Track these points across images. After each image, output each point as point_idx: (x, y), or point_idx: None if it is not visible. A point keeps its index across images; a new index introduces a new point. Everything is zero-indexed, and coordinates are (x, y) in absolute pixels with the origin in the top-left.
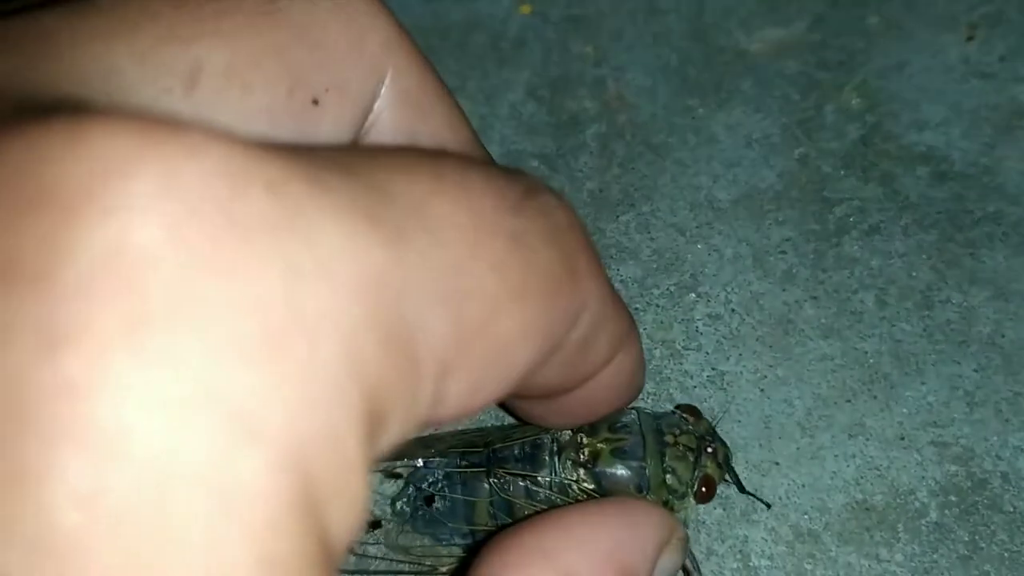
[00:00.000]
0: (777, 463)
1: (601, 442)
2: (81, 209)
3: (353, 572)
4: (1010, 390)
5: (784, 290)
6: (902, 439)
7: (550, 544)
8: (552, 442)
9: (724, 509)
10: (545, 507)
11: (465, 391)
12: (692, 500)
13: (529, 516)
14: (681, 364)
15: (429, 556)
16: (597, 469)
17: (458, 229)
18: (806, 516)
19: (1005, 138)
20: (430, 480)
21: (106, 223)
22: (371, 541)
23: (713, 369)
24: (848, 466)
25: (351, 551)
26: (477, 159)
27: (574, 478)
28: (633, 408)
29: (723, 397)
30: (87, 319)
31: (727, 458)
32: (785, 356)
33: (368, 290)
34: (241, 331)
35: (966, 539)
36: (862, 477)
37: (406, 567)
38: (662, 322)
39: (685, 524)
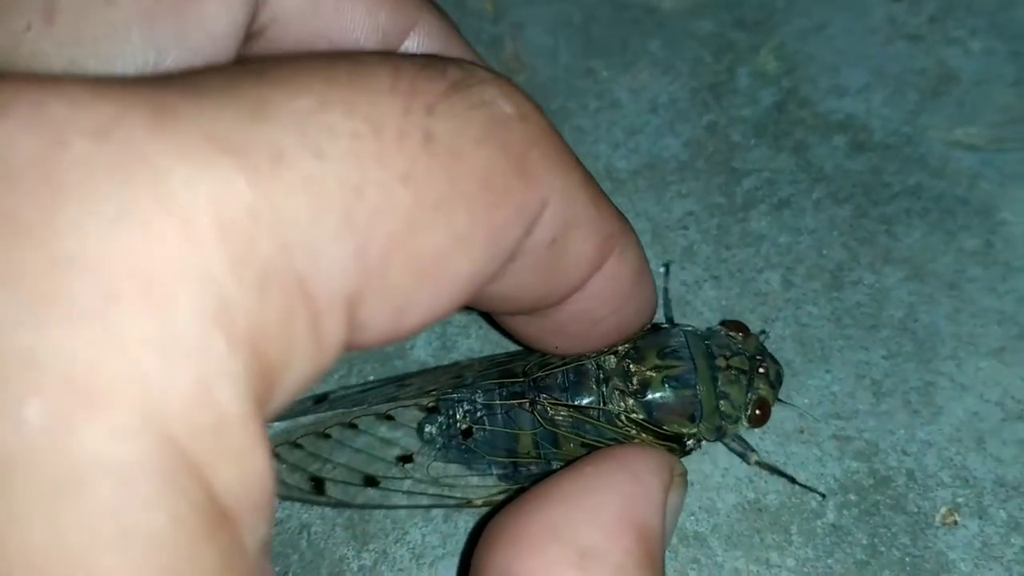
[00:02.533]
0: None
1: (651, 369)
2: None
3: (381, 507)
4: (921, 379)
5: (684, 268)
6: (801, 432)
7: (560, 522)
8: (597, 369)
9: None
10: (592, 438)
11: (389, 315)
12: (744, 423)
13: (571, 448)
14: None
15: (461, 487)
16: (647, 398)
17: (355, 139)
18: (692, 517)
19: (930, 105)
20: (465, 409)
21: None
22: (400, 475)
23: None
24: (741, 462)
25: (376, 483)
26: (392, 55)
27: (622, 408)
28: (679, 327)
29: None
30: None
31: (779, 376)
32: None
33: (229, 231)
34: (63, 294)
35: (864, 542)
36: (756, 474)
37: (436, 500)
38: None
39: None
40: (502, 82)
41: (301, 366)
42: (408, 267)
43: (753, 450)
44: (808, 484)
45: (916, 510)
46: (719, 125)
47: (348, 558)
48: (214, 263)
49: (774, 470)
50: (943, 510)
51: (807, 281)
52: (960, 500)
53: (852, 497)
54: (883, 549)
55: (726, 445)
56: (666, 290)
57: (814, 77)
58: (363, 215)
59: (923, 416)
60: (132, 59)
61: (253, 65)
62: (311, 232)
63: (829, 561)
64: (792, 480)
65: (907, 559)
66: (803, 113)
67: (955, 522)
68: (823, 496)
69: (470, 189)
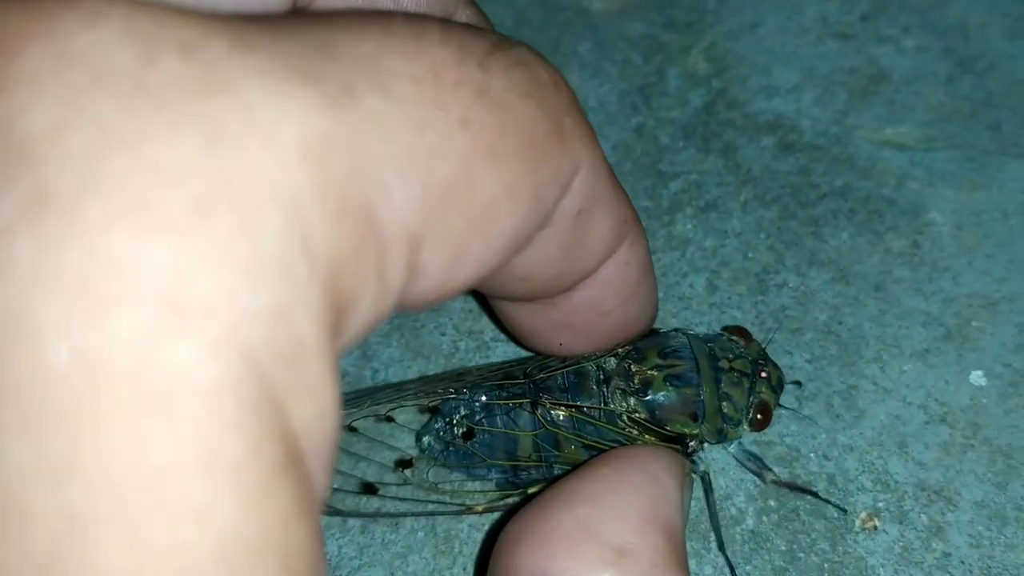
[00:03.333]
0: None
1: (652, 369)
2: None
3: (380, 515)
4: (844, 382)
5: None
6: None
7: (589, 521)
8: (597, 370)
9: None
10: (593, 439)
11: (446, 260)
12: (746, 427)
13: (569, 454)
14: (488, 355)
15: (461, 493)
16: (648, 397)
17: (416, 83)
18: None
19: (860, 105)
20: (464, 413)
21: None
22: (398, 482)
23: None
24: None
25: (374, 490)
26: (438, 17)
27: (624, 408)
28: (680, 330)
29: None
30: None
31: (781, 382)
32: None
33: (312, 155)
34: (155, 202)
35: (783, 548)
36: None
37: (436, 507)
38: (471, 311)
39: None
40: (532, 49)
41: (368, 304)
42: (464, 211)
43: (769, 468)
44: (796, 487)
45: (836, 516)
46: (647, 127)
47: None
48: (299, 185)
49: (794, 487)
50: (863, 515)
51: (732, 285)
52: (881, 505)
53: (772, 503)
54: (802, 555)
55: (741, 463)
56: None
57: (744, 77)
58: (425, 154)
59: (845, 420)
60: None
61: (312, 14)
62: (380, 166)
63: (748, 568)
64: (815, 495)
65: (826, 565)
66: (732, 114)
67: (875, 527)
68: (844, 512)
69: (518, 142)
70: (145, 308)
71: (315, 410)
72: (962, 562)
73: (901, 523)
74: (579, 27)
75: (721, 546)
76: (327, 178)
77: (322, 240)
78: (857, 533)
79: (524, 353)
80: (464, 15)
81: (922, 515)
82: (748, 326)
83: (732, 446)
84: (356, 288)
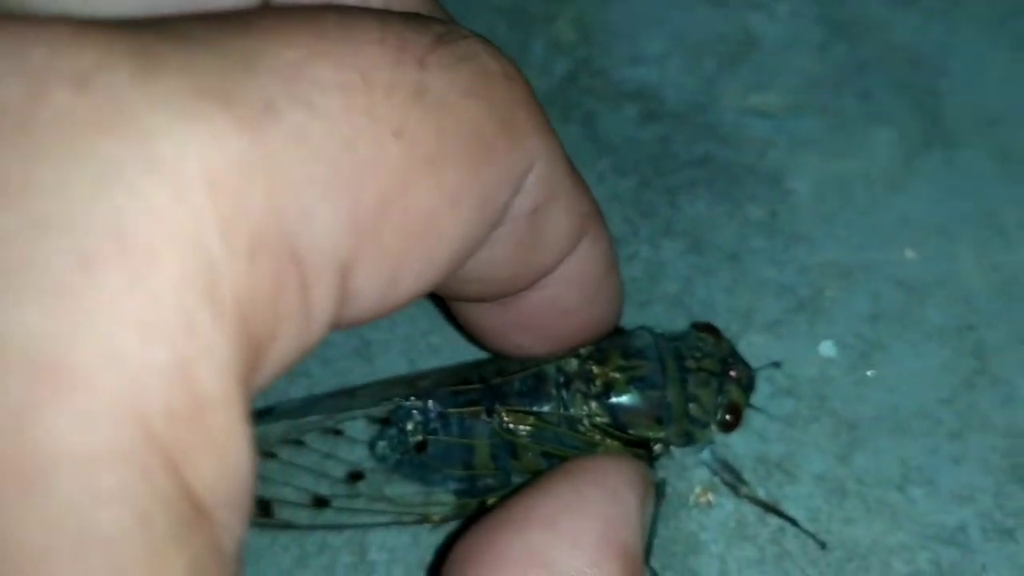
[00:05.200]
0: None
1: (614, 370)
2: None
3: (333, 527)
4: None
5: None
6: None
7: (541, 546)
8: (557, 372)
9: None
10: (553, 447)
11: (382, 281)
12: (715, 429)
13: (529, 464)
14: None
15: (418, 505)
16: (611, 401)
17: (346, 93)
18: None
19: (727, 73)
20: (418, 421)
21: None
22: (351, 494)
23: (361, 339)
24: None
25: (327, 503)
26: (377, 10)
27: (585, 412)
28: (646, 329)
29: (368, 368)
30: None
31: (751, 381)
32: (445, 323)
33: (220, 189)
34: (35, 262)
35: None
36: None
37: (392, 518)
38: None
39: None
40: (484, 40)
41: (289, 341)
42: (401, 228)
43: (745, 483)
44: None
45: (671, 491)
46: None
47: None
48: (202, 225)
49: (768, 508)
50: (697, 490)
51: None
52: (717, 479)
53: None
54: None
55: (714, 472)
56: None
57: (611, 46)
58: (355, 170)
59: None
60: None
61: (238, 15)
62: (303, 190)
63: None
64: (793, 522)
65: (656, 540)
66: (595, 83)
67: (709, 502)
68: (823, 546)
69: (460, 145)
70: (16, 380)
71: (221, 463)
72: (797, 536)
73: (737, 498)
74: None
75: (647, 558)
76: (237, 212)
77: (231, 282)
78: (691, 508)
79: (482, 354)
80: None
81: (759, 489)
82: None
83: (704, 452)
84: (275, 326)
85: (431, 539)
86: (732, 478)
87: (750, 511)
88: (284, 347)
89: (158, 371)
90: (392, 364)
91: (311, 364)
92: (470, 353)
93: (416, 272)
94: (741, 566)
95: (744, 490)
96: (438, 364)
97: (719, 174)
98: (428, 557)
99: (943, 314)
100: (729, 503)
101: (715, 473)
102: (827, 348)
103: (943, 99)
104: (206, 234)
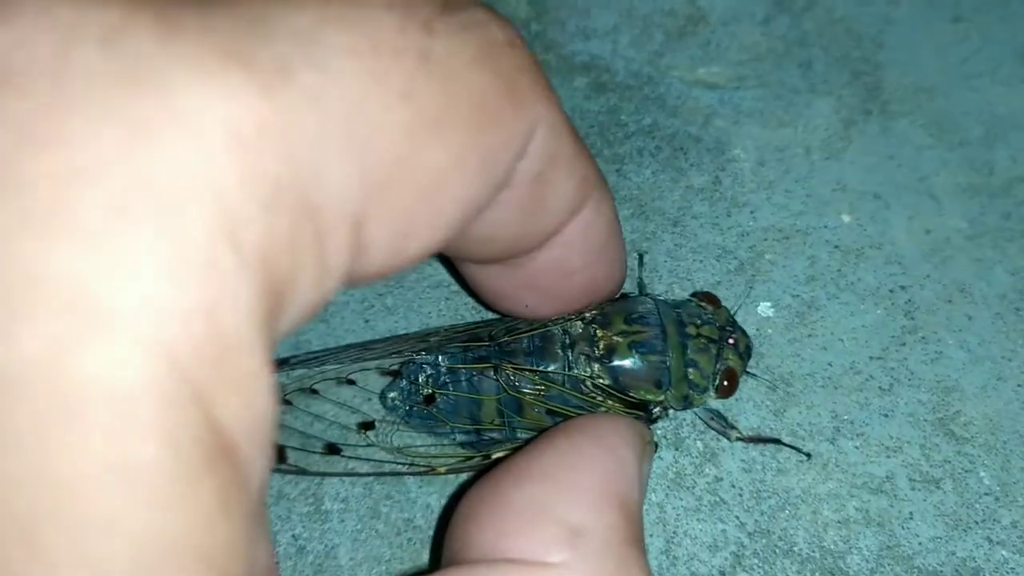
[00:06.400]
0: None
1: (617, 334)
2: None
3: (344, 474)
4: None
5: None
6: None
7: (545, 499)
8: (563, 334)
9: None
10: (556, 405)
11: (393, 236)
12: (712, 394)
13: (536, 416)
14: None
15: (424, 455)
16: (613, 363)
17: (355, 57)
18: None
19: (675, 45)
20: (428, 374)
21: None
22: (363, 443)
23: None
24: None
25: (338, 451)
26: None
27: (588, 373)
28: (648, 295)
29: (326, 329)
30: None
31: (748, 349)
32: (397, 284)
33: (240, 144)
34: (69, 207)
35: None
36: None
37: (401, 468)
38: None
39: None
40: (489, 8)
41: (306, 290)
42: (410, 187)
43: (734, 427)
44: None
45: None
46: None
47: None
48: (225, 177)
49: (758, 440)
50: None
51: None
52: (660, 433)
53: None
54: None
55: (707, 423)
56: (640, 280)
57: (563, 20)
58: (364, 131)
59: None
60: None
61: None
62: (317, 147)
63: None
64: (778, 442)
65: None
66: (548, 56)
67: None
68: (808, 456)
69: (465, 110)
70: (54, 318)
71: (246, 402)
72: (733, 486)
73: (677, 449)
74: None
75: None
76: (257, 167)
77: (252, 231)
78: None
79: (491, 315)
80: None
81: (697, 442)
82: None
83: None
84: (293, 273)
85: (382, 490)
86: (722, 425)
87: (688, 463)
88: (302, 297)
89: (187, 312)
90: (348, 324)
91: None
92: (424, 312)
93: (425, 229)
94: (679, 514)
95: (735, 434)
96: (393, 324)
97: (665, 143)
98: (381, 507)
99: (876, 276)
100: (669, 455)
101: (706, 424)
102: (765, 308)
103: (881, 71)
104: (228, 185)
